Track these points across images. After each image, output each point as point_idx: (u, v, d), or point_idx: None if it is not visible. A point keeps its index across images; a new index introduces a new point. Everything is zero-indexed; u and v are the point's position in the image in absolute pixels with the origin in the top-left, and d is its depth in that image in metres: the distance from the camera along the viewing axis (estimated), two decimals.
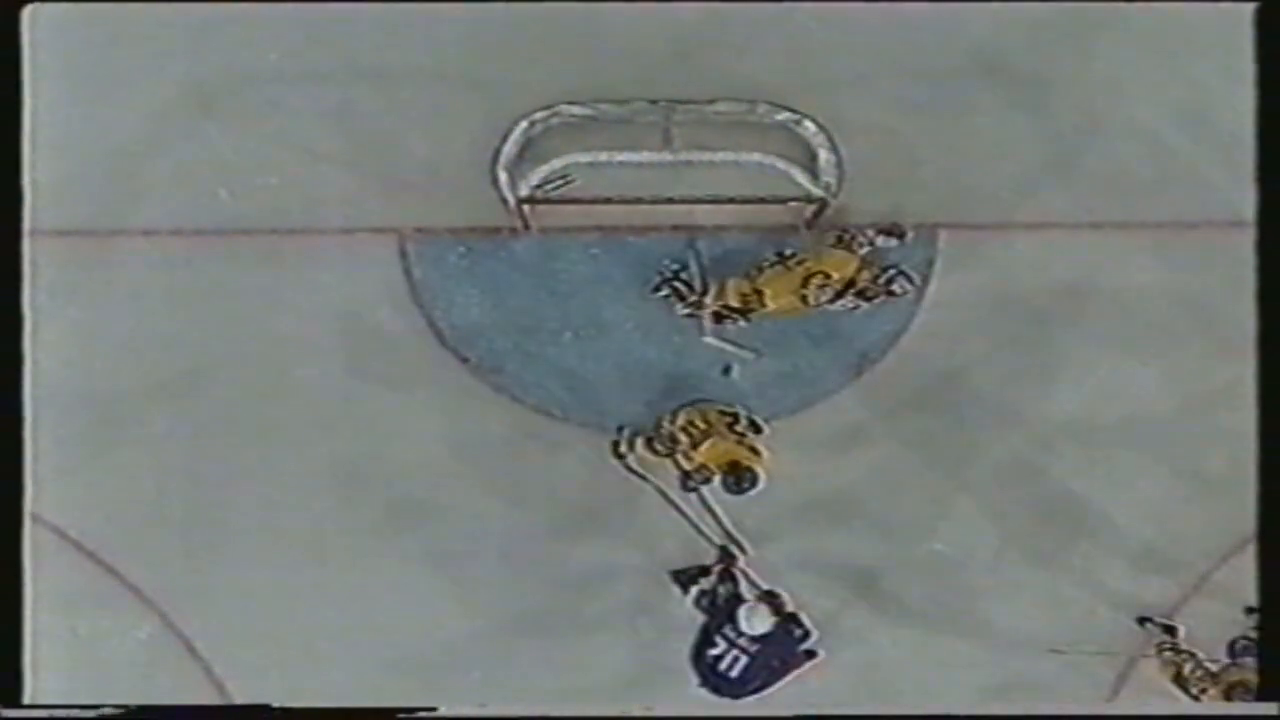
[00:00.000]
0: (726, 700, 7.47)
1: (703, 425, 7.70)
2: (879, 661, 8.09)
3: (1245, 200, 7.90)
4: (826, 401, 8.06)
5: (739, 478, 7.56)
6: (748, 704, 7.64)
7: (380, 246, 8.06)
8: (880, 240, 7.79)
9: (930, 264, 8.04)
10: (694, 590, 7.67)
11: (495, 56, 7.99)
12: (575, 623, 8.09)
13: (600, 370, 8.07)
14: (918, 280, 7.88)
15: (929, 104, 8.02)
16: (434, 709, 7.84)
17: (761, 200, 7.81)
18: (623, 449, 7.74)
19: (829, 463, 8.05)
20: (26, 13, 7.86)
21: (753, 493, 7.58)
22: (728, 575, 7.64)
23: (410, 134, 8.02)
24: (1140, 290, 8.03)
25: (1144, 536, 8.06)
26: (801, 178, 7.73)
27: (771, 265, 7.74)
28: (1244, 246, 7.91)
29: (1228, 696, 7.67)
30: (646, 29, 7.97)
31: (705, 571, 7.70)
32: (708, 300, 7.85)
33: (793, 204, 7.85)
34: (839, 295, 7.67)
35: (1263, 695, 7.79)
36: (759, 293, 7.74)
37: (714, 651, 7.46)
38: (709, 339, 7.97)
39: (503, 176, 7.78)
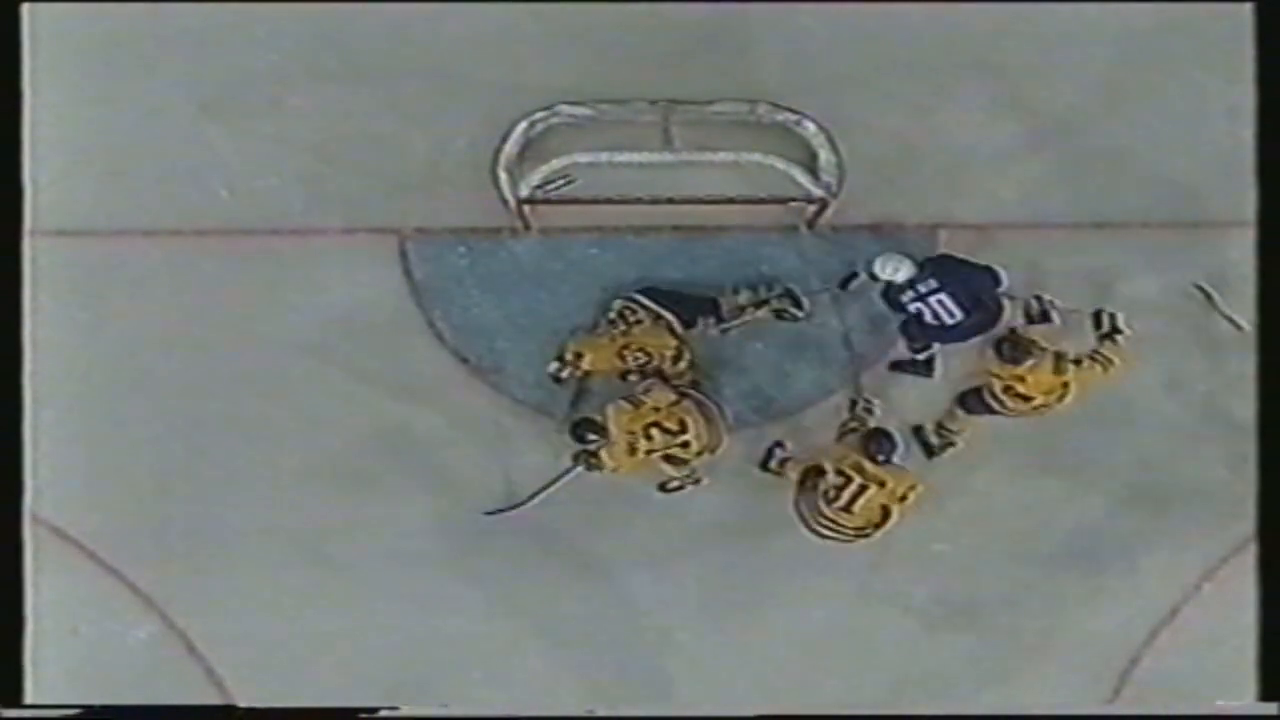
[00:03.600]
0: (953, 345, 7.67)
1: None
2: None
3: (1245, 200, 7.91)
4: (826, 402, 8.05)
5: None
6: (754, 699, 7.79)
7: (380, 246, 8.06)
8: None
9: None
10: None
11: (495, 56, 7.99)
12: (581, 626, 8.09)
13: None
14: (807, 306, 7.96)
15: (929, 104, 8.02)
16: (396, 708, 7.86)
17: (761, 200, 7.81)
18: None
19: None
20: (26, 12, 7.89)
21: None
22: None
23: (410, 134, 8.02)
24: (1140, 290, 8.02)
25: (1144, 535, 8.05)
26: (802, 178, 7.73)
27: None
28: (1244, 246, 7.93)
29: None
30: (646, 29, 7.97)
31: None
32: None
33: (793, 204, 7.86)
34: (646, 374, 7.75)
35: (1264, 695, 7.82)
36: (579, 355, 7.84)
37: (914, 310, 7.56)
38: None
39: (503, 176, 7.78)
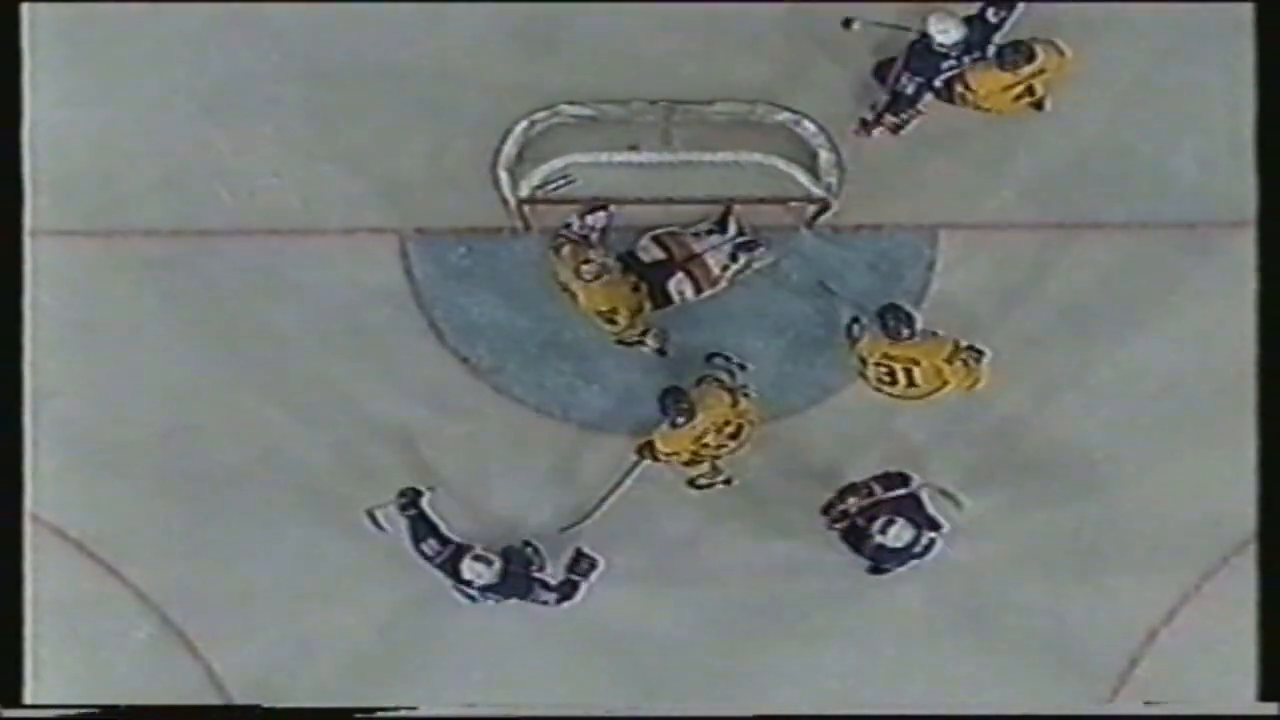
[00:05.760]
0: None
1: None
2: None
3: (1245, 200, 7.92)
4: (827, 402, 8.06)
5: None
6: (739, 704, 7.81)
7: (380, 246, 8.06)
8: (590, 219, 7.76)
9: (930, 264, 8.04)
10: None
11: (495, 56, 7.99)
12: (583, 629, 8.09)
13: (601, 370, 8.06)
14: (758, 255, 7.88)
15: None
16: (414, 708, 7.86)
17: (761, 200, 7.81)
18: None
19: (830, 463, 8.06)
20: (26, 12, 7.89)
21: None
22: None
23: (410, 134, 8.02)
24: (1140, 291, 8.03)
25: (1145, 536, 8.06)
26: (802, 178, 7.74)
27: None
28: (1244, 246, 7.93)
29: None
30: (646, 29, 7.97)
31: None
32: None
33: (793, 204, 7.86)
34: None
35: (1264, 695, 7.83)
36: (614, 310, 7.64)
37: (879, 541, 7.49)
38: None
39: (503, 176, 7.79)
